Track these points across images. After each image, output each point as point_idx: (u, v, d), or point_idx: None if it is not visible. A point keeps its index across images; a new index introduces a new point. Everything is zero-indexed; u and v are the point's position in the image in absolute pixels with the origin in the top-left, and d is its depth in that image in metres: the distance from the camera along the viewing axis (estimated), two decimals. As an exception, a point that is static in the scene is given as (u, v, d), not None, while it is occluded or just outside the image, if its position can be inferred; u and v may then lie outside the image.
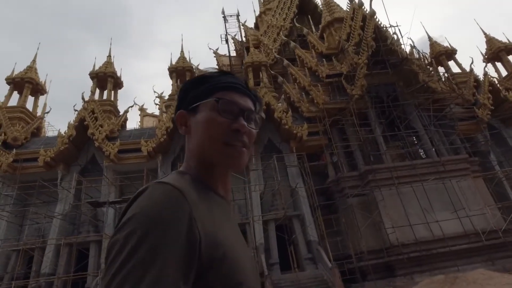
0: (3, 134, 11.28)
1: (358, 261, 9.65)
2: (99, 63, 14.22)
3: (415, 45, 15.51)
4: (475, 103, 13.38)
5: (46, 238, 10.18)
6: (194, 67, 14.63)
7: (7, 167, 10.52)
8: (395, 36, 13.38)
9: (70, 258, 9.93)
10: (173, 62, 14.25)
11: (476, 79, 13.86)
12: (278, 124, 12.05)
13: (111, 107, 13.19)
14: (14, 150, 10.90)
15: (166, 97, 17.09)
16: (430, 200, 10.36)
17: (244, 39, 25.00)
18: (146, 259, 0.49)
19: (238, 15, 25.76)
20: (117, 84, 14.41)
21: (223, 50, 24.51)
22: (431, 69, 14.17)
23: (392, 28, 12.95)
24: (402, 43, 13.40)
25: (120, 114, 13.64)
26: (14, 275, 9.36)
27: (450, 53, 15.65)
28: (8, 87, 13.24)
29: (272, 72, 15.01)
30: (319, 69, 13.41)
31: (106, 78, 13.74)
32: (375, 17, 13.24)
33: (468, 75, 14.17)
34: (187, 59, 14.72)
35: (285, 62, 15.03)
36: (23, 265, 9.89)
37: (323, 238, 10.11)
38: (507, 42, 15.91)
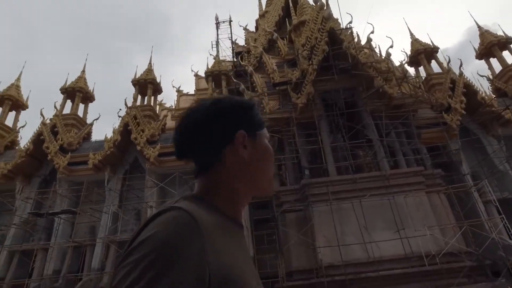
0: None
1: (284, 282, 9.16)
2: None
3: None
4: (450, 107, 12.01)
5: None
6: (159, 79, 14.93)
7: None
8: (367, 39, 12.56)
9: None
10: (138, 75, 14.64)
11: (453, 80, 12.42)
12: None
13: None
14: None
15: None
16: (373, 218, 9.51)
17: (244, 43, 25.05)
18: None
19: (230, 21, 25.79)
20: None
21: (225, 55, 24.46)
22: (403, 71, 13.05)
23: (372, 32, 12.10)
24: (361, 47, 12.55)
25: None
26: None
27: (430, 52, 14.19)
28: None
29: (234, 80, 14.79)
30: (274, 76, 12.97)
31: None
32: (334, 20, 12.53)
33: (444, 76, 12.76)
34: (153, 71, 15.04)
35: (249, 69, 14.75)
36: None
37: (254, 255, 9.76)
38: (501, 35, 14.05)
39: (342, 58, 11.76)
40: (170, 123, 15.81)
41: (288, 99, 12.09)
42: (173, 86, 17.99)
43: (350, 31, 12.17)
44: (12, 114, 14.90)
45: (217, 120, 0.73)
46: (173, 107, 18.33)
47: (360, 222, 9.32)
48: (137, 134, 11.87)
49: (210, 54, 24.09)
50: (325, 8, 13.06)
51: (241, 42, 25.16)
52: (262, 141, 0.75)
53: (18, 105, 14.85)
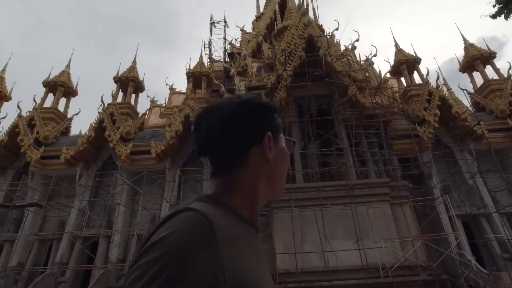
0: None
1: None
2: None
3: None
4: (425, 120, 11.96)
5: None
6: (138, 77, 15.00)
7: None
8: (344, 46, 12.56)
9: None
10: (120, 73, 14.73)
11: (431, 93, 12.36)
12: (199, 136, 11.90)
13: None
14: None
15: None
16: (334, 227, 9.51)
17: (239, 44, 25.12)
18: None
19: (224, 21, 25.85)
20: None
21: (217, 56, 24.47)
22: (384, 81, 13.01)
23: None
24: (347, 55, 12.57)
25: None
26: None
27: (412, 63, 14.14)
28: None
29: (215, 82, 14.85)
30: (252, 80, 13.00)
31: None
32: (314, 27, 12.56)
33: (423, 88, 12.72)
34: (136, 69, 15.13)
35: (232, 71, 14.79)
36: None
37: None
38: (485, 50, 13.97)
39: (319, 65, 11.77)
40: (158, 120, 15.89)
41: (263, 104, 12.08)
42: (166, 84, 18.08)
43: (327, 38, 12.16)
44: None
45: (247, 120, 0.72)
46: (164, 104, 18.46)
47: (321, 230, 9.31)
48: (111, 131, 11.94)
49: (206, 54, 24.06)
50: (306, 14, 13.12)
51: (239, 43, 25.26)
52: (282, 144, 0.76)
53: (69, 92, 15.04)
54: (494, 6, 3.97)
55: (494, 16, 4.01)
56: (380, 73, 13.37)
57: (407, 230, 9.56)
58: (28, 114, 13.23)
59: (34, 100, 13.47)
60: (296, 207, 9.59)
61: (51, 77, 14.75)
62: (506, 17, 3.91)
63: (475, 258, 9.44)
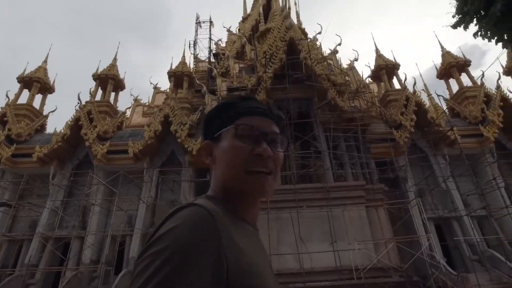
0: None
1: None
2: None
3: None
4: (401, 124, 12.24)
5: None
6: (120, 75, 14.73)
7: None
8: (326, 48, 12.69)
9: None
10: (100, 70, 14.42)
11: (408, 98, 12.66)
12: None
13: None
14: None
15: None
16: (310, 229, 9.58)
17: (225, 44, 25.10)
18: (166, 284, 0.50)
19: (210, 21, 25.77)
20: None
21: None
22: (364, 86, 13.23)
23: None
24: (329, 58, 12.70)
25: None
26: None
27: (391, 68, 14.45)
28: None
29: (197, 82, 14.76)
30: (233, 81, 12.99)
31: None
32: (296, 30, 12.65)
33: (401, 93, 13.01)
34: (116, 67, 14.85)
35: (214, 72, 14.73)
36: None
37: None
38: (460, 57, 14.43)
39: (300, 68, 11.86)
40: (141, 120, 15.63)
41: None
42: (151, 83, 17.74)
43: (308, 42, 12.28)
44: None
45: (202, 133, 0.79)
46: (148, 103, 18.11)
47: (297, 232, 9.36)
48: (87, 129, 11.67)
49: (191, 54, 23.83)
50: (288, 17, 13.21)
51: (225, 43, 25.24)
52: (224, 140, 0.71)
53: (46, 88, 14.50)
54: (453, 16, 4.10)
55: (454, 26, 4.14)
56: (363, 78, 13.57)
57: (381, 233, 9.72)
58: (0, 110, 12.77)
59: (7, 96, 13.01)
60: (273, 208, 9.60)
61: (26, 72, 14.30)
62: (465, 28, 4.04)
63: (445, 260, 9.72)
